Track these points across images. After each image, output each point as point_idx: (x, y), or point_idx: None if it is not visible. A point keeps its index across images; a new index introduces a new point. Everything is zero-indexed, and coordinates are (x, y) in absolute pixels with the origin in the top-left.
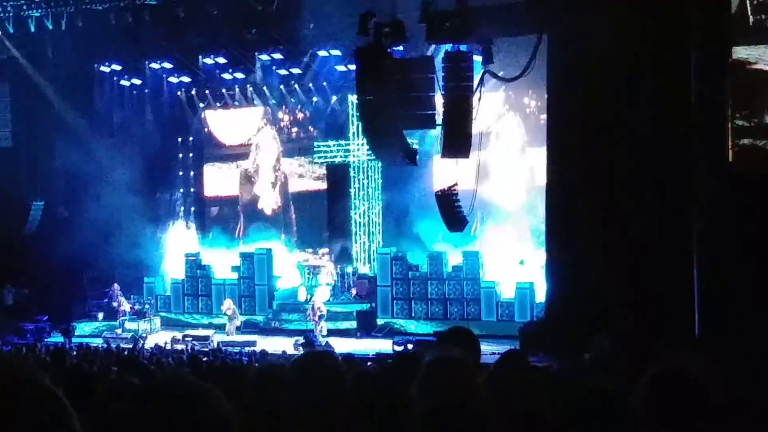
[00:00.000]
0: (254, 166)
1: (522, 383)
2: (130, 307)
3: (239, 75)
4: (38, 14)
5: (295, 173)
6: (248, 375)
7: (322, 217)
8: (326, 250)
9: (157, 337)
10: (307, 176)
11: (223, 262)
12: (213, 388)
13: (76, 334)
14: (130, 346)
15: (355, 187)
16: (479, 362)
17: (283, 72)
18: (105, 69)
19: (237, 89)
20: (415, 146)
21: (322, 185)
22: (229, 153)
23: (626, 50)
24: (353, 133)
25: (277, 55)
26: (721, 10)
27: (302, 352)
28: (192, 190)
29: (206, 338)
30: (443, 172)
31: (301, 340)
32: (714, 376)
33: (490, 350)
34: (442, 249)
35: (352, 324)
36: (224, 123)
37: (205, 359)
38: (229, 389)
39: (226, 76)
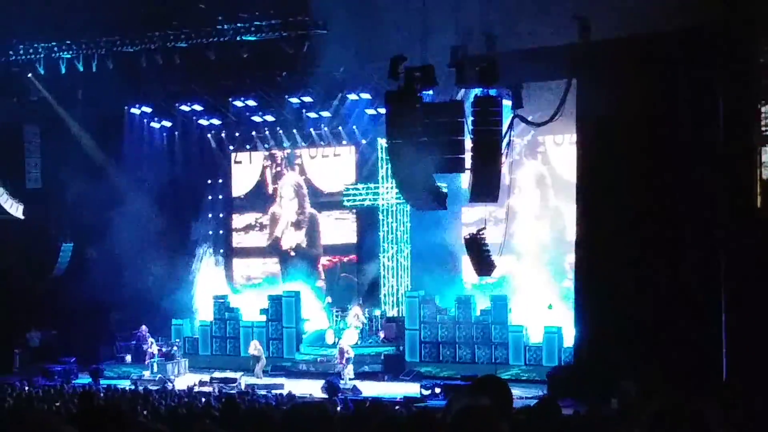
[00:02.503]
0: (282, 211)
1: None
2: (158, 349)
3: (269, 117)
4: (69, 56)
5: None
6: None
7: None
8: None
9: (185, 379)
10: (337, 219)
11: (252, 303)
12: None
13: (104, 375)
14: (159, 388)
15: (384, 230)
16: (510, 411)
17: (312, 115)
18: (135, 111)
19: (267, 131)
20: (444, 190)
21: (352, 227)
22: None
23: (655, 100)
24: (382, 176)
25: (307, 98)
26: (749, 59)
27: (327, 396)
28: (221, 232)
29: (234, 380)
30: (472, 216)
31: (324, 385)
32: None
33: (517, 395)
34: (470, 293)
35: (380, 367)
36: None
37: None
38: None
39: (256, 118)
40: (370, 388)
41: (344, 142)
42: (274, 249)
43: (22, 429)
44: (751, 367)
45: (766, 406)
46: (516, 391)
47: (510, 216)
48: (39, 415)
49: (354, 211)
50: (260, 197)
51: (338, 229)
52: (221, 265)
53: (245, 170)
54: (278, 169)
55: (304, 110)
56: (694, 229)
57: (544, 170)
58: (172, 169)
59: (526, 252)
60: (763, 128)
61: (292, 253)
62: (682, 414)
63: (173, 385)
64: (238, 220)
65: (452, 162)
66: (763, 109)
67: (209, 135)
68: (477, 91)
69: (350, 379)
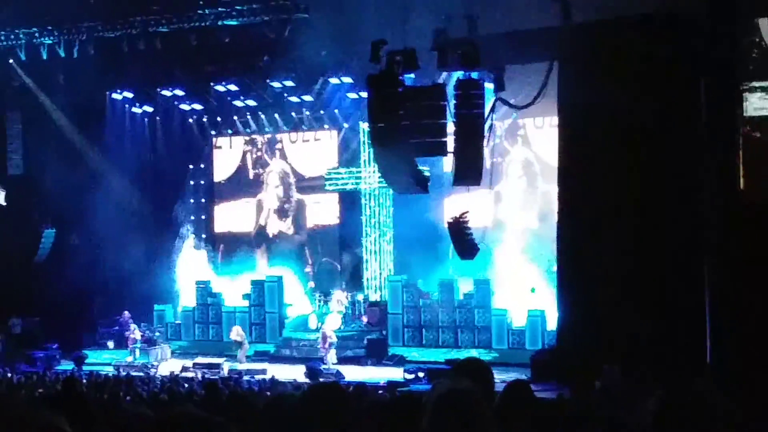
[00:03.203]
0: (267, 198)
1: (527, 415)
2: (141, 335)
3: (251, 102)
4: (50, 42)
5: (307, 201)
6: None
7: (334, 244)
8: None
9: (168, 365)
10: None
11: (234, 289)
12: (225, 423)
13: (87, 362)
14: (141, 374)
15: (366, 215)
16: (492, 394)
17: (294, 99)
18: (117, 96)
19: (248, 116)
20: (427, 173)
21: (335, 212)
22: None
23: (636, 81)
24: (365, 160)
25: (289, 83)
26: (731, 42)
27: (308, 381)
28: (203, 217)
29: (217, 366)
30: (455, 201)
31: (306, 371)
32: (719, 394)
33: (500, 379)
34: (453, 277)
35: (363, 351)
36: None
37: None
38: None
39: (238, 103)
40: (353, 373)
41: (326, 126)
42: (259, 235)
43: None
44: (734, 351)
45: (754, 388)
46: (500, 375)
47: (496, 200)
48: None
49: (337, 195)
50: (241, 182)
51: (320, 213)
52: (203, 250)
53: (225, 155)
54: (258, 154)
55: (285, 94)
56: (677, 211)
57: (530, 155)
58: (154, 154)
59: (512, 236)
60: (745, 111)
61: (278, 239)
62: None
63: (156, 371)
64: (220, 205)
65: (434, 145)
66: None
67: (191, 120)
68: (459, 74)
69: (333, 364)
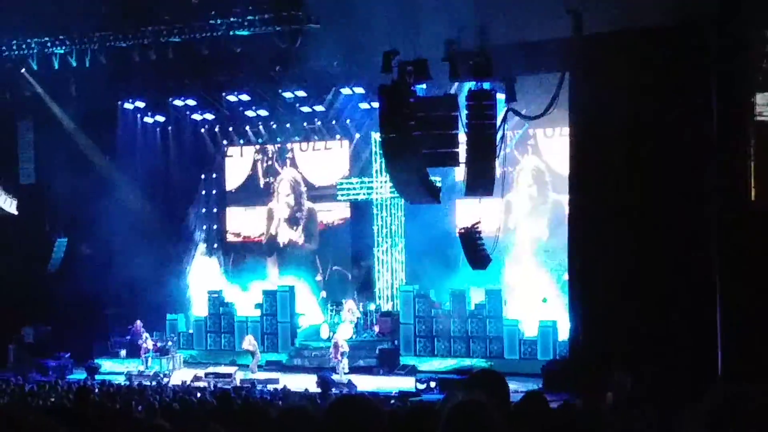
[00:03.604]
0: (278, 207)
1: (542, 426)
2: (153, 344)
3: (263, 112)
4: (62, 51)
5: (318, 210)
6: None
7: (346, 253)
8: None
9: (180, 374)
10: (331, 212)
11: (246, 298)
12: None
13: (100, 372)
14: (153, 383)
15: (378, 224)
16: (507, 405)
17: (306, 109)
18: (128, 106)
19: (260, 126)
20: (438, 184)
21: (346, 221)
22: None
23: (649, 92)
24: (376, 170)
25: (301, 93)
26: (742, 53)
27: (320, 391)
28: (215, 227)
29: (228, 375)
30: (466, 210)
31: (318, 380)
32: None
33: (513, 389)
34: (464, 287)
35: (375, 361)
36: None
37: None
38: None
39: (250, 113)
40: (365, 382)
41: (338, 137)
42: (270, 245)
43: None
44: (746, 361)
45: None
46: (512, 385)
47: (506, 210)
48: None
49: (348, 205)
50: (252, 191)
51: (331, 222)
52: (214, 258)
53: (236, 163)
54: (269, 162)
55: (297, 104)
56: (688, 221)
57: (541, 165)
58: (166, 163)
59: (523, 246)
60: (757, 118)
61: (289, 249)
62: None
63: (168, 380)
64: (231, 214)
65: (446, 156)
66: (756, 101)
67: (203, 130)
68: (471, 84)
69: (345, 374)
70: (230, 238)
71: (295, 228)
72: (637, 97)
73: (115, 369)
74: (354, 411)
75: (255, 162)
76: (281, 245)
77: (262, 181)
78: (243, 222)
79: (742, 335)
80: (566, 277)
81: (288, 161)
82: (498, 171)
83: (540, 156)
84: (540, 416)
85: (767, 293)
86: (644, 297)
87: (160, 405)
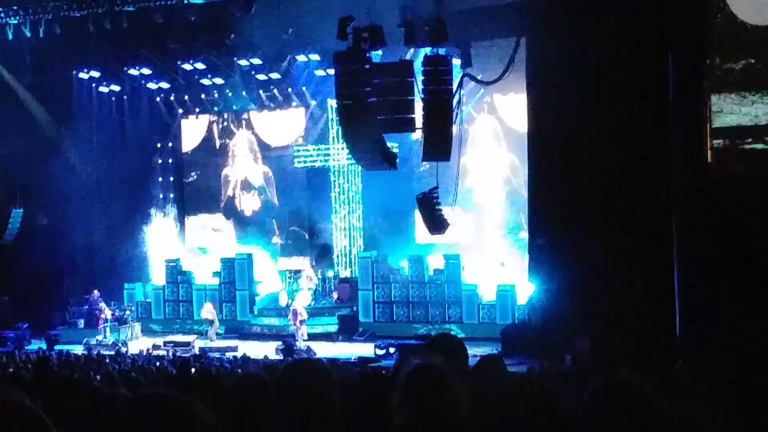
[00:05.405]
0: (234, 170)
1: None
2: (111, 314)
3: (218, 80)
4: (16, 21)
5: (275, 176)
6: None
7: (303, 217)
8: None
9: (138, 343)
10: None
11: (205, 263)
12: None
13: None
14: (112, 353)
15: (335, 191)
16: (465, 370)
17: (262, 77)
18: (83, 76)
19: (216, 94)
20: (395, 150)
21: (303, 186)
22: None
23: (604, 55)
24: (333, 137)
25: (256, 60)
26: (699, 13)
27: (282, 357)
28: (172, 195)
29: (188, 344)
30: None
31: (281, 345)
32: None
33: (471, 353)
34: (422, 252)
35: (334, 328)
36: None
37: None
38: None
39: (205, 81)
40: (324, 349)
41: (294, 104)
42: (228, 210)
43: None
44: (703, 324)
45: (723, 361)
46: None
47: (462, 172)
48: None
49: (305, 171)
50: (208, 152)
51: (288, 186)
52: (173, 227)
53: (192, 126)
54: (225, 124)
55: (253, 72)
56: (646, 185)
57: (496, 124)
58: (122, 132)
59: (480, 207)
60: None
61: (245, 212)
62: (616, 389)
63: (127, 350)
64: (188, 180)
65: (402, 121)
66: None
67: (158, 98)
68: (426, 50)
69: (304, 341)
70: (188, 204)
71: (251, 191)
72: (594, 61)
73: (73, 339)
74: (304, 375)
75: (210, 123)
76: (238, 209)
77: (218, 143)
78: (200, 187)
79: (698, 298)
80: (522, 234)
81: (244, 122)
82: (455, 130)
83: (496, 113)
84: (498, 379)
85: (723, 256)
86: (602, 261)
87: (119, 374)
